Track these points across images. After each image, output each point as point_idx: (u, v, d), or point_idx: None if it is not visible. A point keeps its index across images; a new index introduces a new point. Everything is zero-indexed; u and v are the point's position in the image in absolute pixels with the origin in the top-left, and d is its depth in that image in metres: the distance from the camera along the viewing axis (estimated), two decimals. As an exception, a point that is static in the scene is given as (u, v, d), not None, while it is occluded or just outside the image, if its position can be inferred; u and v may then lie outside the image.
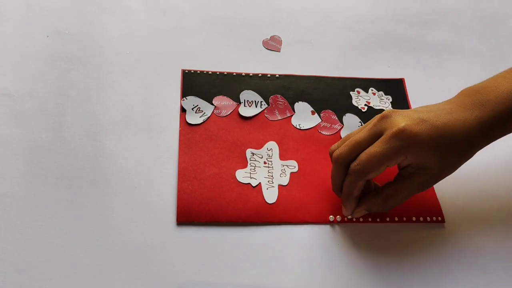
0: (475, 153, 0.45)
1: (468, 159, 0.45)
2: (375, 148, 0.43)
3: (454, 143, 0.43)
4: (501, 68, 0.64)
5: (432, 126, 0.43)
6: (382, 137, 0.43)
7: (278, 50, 0.62)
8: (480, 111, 0.44)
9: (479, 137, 0.44)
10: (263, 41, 0.63)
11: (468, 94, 0.46)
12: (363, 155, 0.43)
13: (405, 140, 0.42)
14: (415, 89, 0.60)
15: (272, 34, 0.63)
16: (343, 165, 0.45)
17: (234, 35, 0.63)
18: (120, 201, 0.47)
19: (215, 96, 0.56)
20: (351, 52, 0.63)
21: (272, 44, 0.62)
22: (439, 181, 0.46)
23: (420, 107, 0.46)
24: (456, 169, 0.46)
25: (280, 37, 0.63)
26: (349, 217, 0.48)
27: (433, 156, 0.43)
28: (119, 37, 0.60)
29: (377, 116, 0.45)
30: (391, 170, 0.46)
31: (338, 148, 0.46)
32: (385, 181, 0.47)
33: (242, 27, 0.63)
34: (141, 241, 0.45)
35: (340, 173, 0.46)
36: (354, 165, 0.44)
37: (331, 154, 0.47)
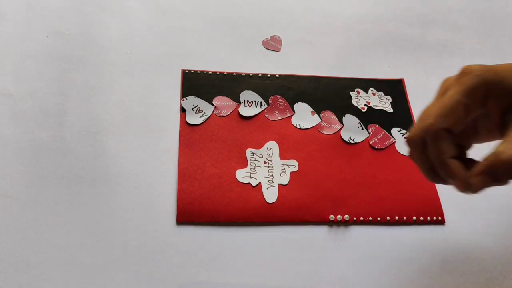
0: None
1: None
2: (444, 96, 0.37)
3: None
4: (501, 68, 0.64)
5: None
6: (450, 87, 0.37)
7: (278, 50, 0.62)
8: None
9: None
10: (263, 41, 0.63)
11: None
12: (434, 109, 0.36)
13: (476, 71, 0.36)
14: (415, 89, 0.60)
15: (272, 34, 0.63)
16: (417, 140, 0.37)
17: (234, 35, 0.63)
18: (120, 201, 0.47)
19: (215, 96, 0.55)
20: (351, 52, 0.63)
21: (272, 44, 0.62)
22: None
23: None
24: None
25: (280, 37, 0.63)
26: (468, 193, 0.36)
27: None
28: (119, 37, 0.60)
29: (460, 72, 0.38)
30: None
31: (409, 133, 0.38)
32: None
33: (242, 27, 0.63)
34: (141, 241, 0.45)
35: (419, 153, 0.37)
36: (427, 122, 0.36)
37: (407, 140, 0.38)
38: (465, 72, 0.37)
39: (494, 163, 0.34)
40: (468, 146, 0.39)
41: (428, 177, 0.38)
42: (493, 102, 0.36)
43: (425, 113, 0.37)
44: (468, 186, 0.36)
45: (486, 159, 0.35)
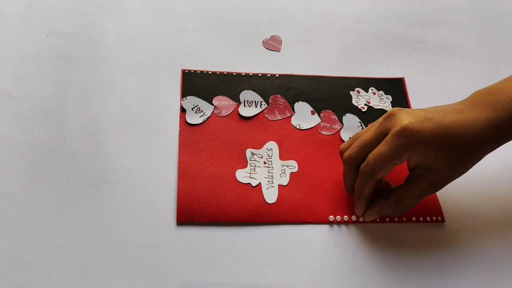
0: (485, 154, 0.45)
1: (478, 160, 0.45)
2: (380, 148, 0.43)
3: (462, 142, 0.43)
4: (501, 68, 0.64)
5: (437, 123, 0.43)
6: (387, 137, 0.43)
7: (278, 50, 0.62)
8: (492, 111, 0.43)
9: (489, 137, 0.44)
10: (263, 41, 0.63)
11: (480, 95, 0.46)
12: (371, 156, 0.44)
13: (408, 138, 0.42)
14: (415, 88, 0.60)
15: (272, 34, 0.63)
16: (353, 165, 0.46)
17: (234, 35, 0.63)
18: (120, 201, 0.47)
19: (215, 96, 0.55)
20: (351, 52, 0.63)
21: (272, 44, 0.62)
22: (449, 182, 0.45)
23: (430, 107, 0.46)
24: (466, 170, 0.45)
25: (280, 37, 0.63)
26: (361, 219, 0.48)
27: (438, 155, 0.43)
28: (119, 37, 0.60)
29: (384, 115, 0.45)
30: (402, 170, 0.46)
31: (347, 148, 0.47)
32: (398, 182, 0.47)
33: (242, 27, 0.63)
34: (141, 241, 0.45)
35: (351, 174, 0.47)
36: (362, 166, 0.45)
37: (341, 154, 0.48)
38: (402, 134, 0.43)
39: (380, 212, 0.48)
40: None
41: (346, 189, 0.48)
42: (410, 159, 0.44)
43: (362, 145, 0.45)
44: (362, 217, 0.48)
45: (376, 207, 0.47)
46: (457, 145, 0.43)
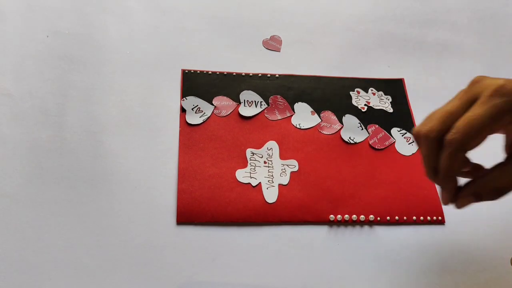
0: None
1: None
2: (473, 111, 0.36)
3: None
4: (501, 68, 0.64)
5: None
6: (481, 99, 0.36)
7: (278, 50, 0.62)
8: None
9: None
10: (263, 41, 0.63)
11: None
12: (461, 122, 0.36)
13: (510, 96, 0.36)
14: (415, 89, 0.60)
15: (272, 34, 0.63)
16: (436, 140, 0.38)
17: (234, 35, 0.63)
18: (120, 201, 0.47)
19: (215, 96, 0.55)
20: (351, 52, 0.63)
21: (272, 44, 0.62)
22: None
23: None
24: None
25: (280, 37, 0.63)
26: (452, 206, 0.40)
27: None
28: (119, 37, 0.60)
29: (468, 84, 0.38)
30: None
31: (426, 125, 0.39)
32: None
33: (242, 27, 0.63)
34: (141, 241, 0.45)
35: (433, 151, 0.38)
36: (450, 134, 0.37)
37: (416, 135, 0.39)
38: (500, 91, 0.36)
39: (480, 189, 0.39)
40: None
41: (428, 174, 0.40)
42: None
43: (446, 115, 0.38)
44: (453, 202, 0.40)
45: (475, 185, 0.39)
46: None
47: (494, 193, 0.39)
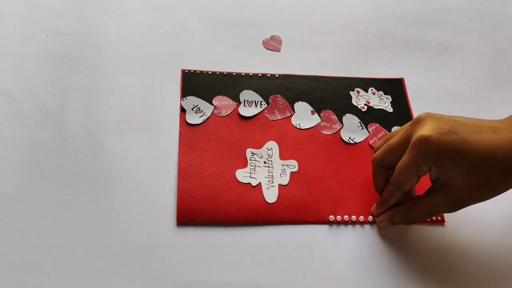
0: None
1: (507, 188, 0.41)
2: (402, 160, 0.43)
3: (488, 164, 0.39)
4: (501, 68, 0.64)
5: (462, 140, 0.39)
6: (408, 147, 0.42)
7: (278, 50, 0.62)
8: None
9: None
10: (263, 41, 0.63)
11: None
12: (396, 168, 0.44)
13: (425, 150, 0.40)
14: (415, 89, 0.60)
15: (272, 34, 0.63)
16: (379, 168, 0.47)
17: (234, 35, 0.63)
18: (120, 201, 0.47)
19: (215, 96, 0.55)
20: (351, 52, 0.63)
21: (272, 44, 0.62)
22: (467, 204, 0.42)
23: (464, 117, 0.43)
24: (491, 196, 0.41)
25: (280, 37, 0.63)
26: (372, 219, 0.49)
27: (457, 172, 0.40)
28: (119, 37, 0.60)
29: (413, 119, 0.43)
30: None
31: (378, 148, 0.48)
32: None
33: (242, 27, 0.63)
34: (141, 241, 0.45)
35: (377, 176, 0.48)
36: (392, 178, 0.45)
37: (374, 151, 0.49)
38: (424, 140, 0.41)
39: (391, 220, 0.47)
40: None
41: (375, 188, 0.49)
42: (431, 171, 0.42)
43: (390, 151, 0.45)
44: (376, 220, 0.48)
45: (391, 212, 0.47)
46: (481, 167, 0.39)
47: (405, 221, 0.46)
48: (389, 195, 0.46)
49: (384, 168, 0.47)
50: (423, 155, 0.41)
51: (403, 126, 0.45)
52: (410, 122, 0.44)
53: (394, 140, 0.45)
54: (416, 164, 0.41)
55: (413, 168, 0.42)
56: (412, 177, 0.43)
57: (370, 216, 0.49)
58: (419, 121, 0.42)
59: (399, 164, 0.43)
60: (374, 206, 0.49)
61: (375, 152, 0.48)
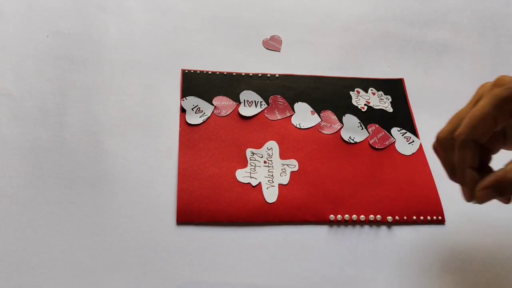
0: None
1: None
2: (476, 106, 0.38)
3: None
4: (501, 68, 0.64)
5: None
6: (483, 96, 0.38)
7: (278, 50, 0.62)
8: None
9: None
10: (263, 41, 0.63)
11: None
12: (465, 118, 0.38)
13: (508, 84, 0.37)
14: (415, 89, 0.60)
15: (272, 34, 0.64)
16: (447, 140, 0.40)
17: (234, 35, 0.63)
18: (120, 201, 0.47)
19: (215, 96, 0.55)
20: (351, 52, 0.63)
21: (272, 44, 0.63)
22: None
23: None
24: None
25: (280, 37, 0.63)
26: (473, 202, 0.40)
27: None
28: (119, 37, 0.60)
29: (477, 89, 0.40)
30: None
31: (440, 131, 0.41)
32: None
33: (242, 27, 0.63)
34: (141, 241, 0.45)
35: (447, 152, 0.40)
36: (457, 130, 0.38)
37: (435, 140, 0.42)
38: (498, 83, 0.37)
39: (501, 180, 0.37)
40: (494, 151, 0.41)
41: (448, 175, 0.41)
42: None
43: (456, 117, 0.40)
44: (474, 197, 0.39)
45: (494, 175, 0.37)
46: None
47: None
48: (460, 154, 0.38)
49: (450, 142, 0.39)
50: (508, 90, 0.36)
51: (475, 95, 0.40)
52: (489, 85, 0.39)
53: (462, 109, 0.40)
54: (498, 100, 0.37)
55: (493, 106, 0.37)
56: (487, 119, 0.37)
57: (371, 215, 0.49)
58: (483, 85, 0.39)
59: (472, 111, 0.38)
60: (462, 190, 0.40)
61: (435, 138, 0.41)
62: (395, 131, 0.56)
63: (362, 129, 0.55)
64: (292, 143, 0.53)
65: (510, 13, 0.71)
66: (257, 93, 0.56)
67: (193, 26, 0.63)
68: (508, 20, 0.70)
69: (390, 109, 0.58)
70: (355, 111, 0.57)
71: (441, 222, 0.49)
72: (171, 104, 0.54)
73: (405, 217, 0.49)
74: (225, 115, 0.54)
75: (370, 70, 0.61)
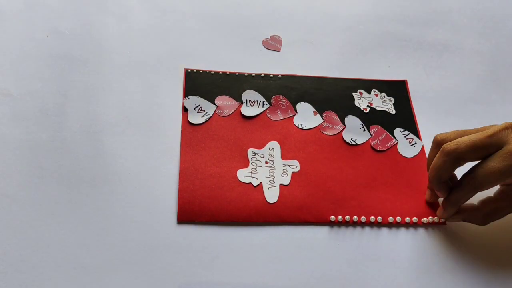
0: None
1: None
2: (493, 163, 0.41)
3: None
4: (501, 68, 0.64)
5: None
6: (503, 152, 0.41)
7: (278, 50, 0.62)
8: None
9: None
10: (263, 41, 0.63)
11: None
12: (481, 170, 0.42)
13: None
14: (415, 89, 0.60)
15: (272, 34, 0.63)
16: (456, 161, 0.43)
17: (235, 35, 0.63)
18: (120, 201, 0.47)
19: (217, 95, 0.55)
20: (351, 52, 0.63)
21: (272, 44, 0.62)
22: None
23: None
24: None
25: (280, 37, 0.63)
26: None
27: None
28: (119, 37, 0.60)
29: (503, 125, 0.43)
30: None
31: (450, 139, 0.44)
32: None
33: (242, 27, 0.63)
34: (141, 241, 0.45)
35: (449, 168, 0.44)
36: (470, 178, 0.43)
37: (438, 142, 0.46)
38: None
39: (465, 220, 0.47)
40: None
41: (435, 179, 0.46)
42: None
43: (471, 143, 0.43)
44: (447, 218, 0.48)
45: (463, 214, 0.46)
46: None
47: (484, 223, 0.46)
48: (462, 198, 0.44)
49: (458, 161, 0.43)
50: None
51: (486, 127, 0.44)
52: (498, 127, 0.43)
53: (480, 138, 0.42)
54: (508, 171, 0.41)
55: (507, 175, 0.41)
56: (499, 181, 0.42)
57: (372, 217, 0.48)
58: (507, 127, 0.42)
59: (488, 167, 0.42)
60: (439, 209, 0.48)
61: (441, 140, 0.45)
62: (397, 132, 0.56)
63: (364, 130, 0.55)
64: (293, 143, 0.53)
65: (510, 13, 0.71)
66: (259, 93, 0.56)
67: (193, 26, 0.63)
68: (508, 20, 0.70)
69: (392, 111, 0.58)
70: (358, 112, 0.57)
71: (442, 223, 0.49)
72: (172, 104, 0.54)
73: (406, 219, 0.49)
74: (227, 114, 0.54)
75: (370, 70, 0.61)
